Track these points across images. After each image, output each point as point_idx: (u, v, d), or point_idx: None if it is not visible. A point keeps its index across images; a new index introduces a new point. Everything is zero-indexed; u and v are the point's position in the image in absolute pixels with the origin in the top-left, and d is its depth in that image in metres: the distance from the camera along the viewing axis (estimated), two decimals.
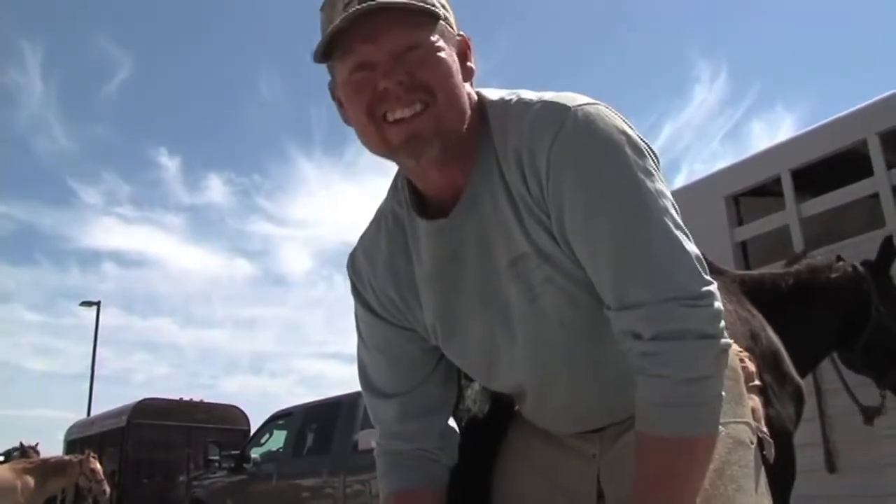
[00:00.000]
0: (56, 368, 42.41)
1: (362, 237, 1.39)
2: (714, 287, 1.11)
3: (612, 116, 1.14)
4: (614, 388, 1.25)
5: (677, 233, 1.10)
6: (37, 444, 10.69)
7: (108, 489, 9.81)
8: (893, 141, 4.29)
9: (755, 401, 1.47)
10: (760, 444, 1.41)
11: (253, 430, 11.08)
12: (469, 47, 1.22)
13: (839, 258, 3.32)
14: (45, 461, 9.54)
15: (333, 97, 1.23)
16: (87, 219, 41.67)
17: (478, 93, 1.25)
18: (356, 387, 1.45)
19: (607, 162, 1.10)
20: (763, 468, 1.39)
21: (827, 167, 4.61)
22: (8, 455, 11.28)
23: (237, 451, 9.82)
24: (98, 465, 9.70)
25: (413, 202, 1.29)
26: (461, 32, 1.22)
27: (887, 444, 3.86)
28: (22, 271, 42.73)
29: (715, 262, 2.95)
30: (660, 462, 1.10)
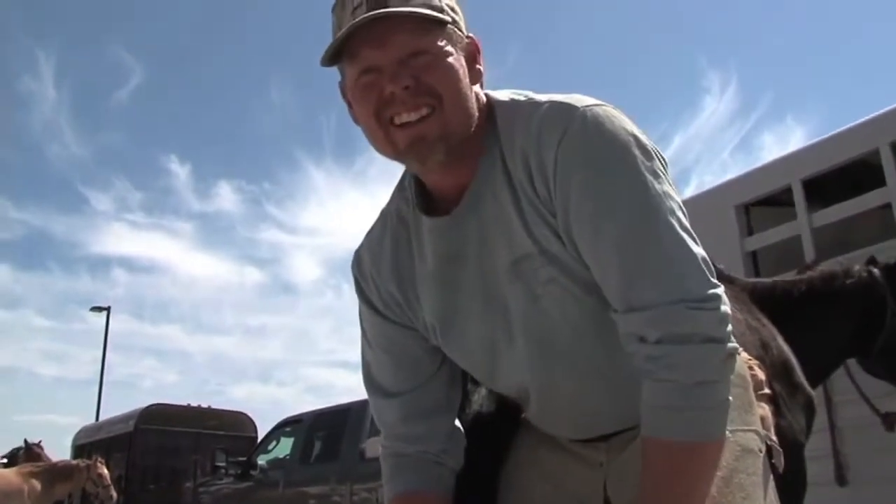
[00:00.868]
0: (65, 374, 42.63)
1: (367, 235, 1.39)
2: (721, 290, 1.10)
3: (620, 118, 1.13)
4: (620, 393, 1.23)
5: (684, 235, 1.09)
6: (40, 441, 10.70)
7: (114, 494, 9.82)
8: None
9: (765, 409, 1.45)
10: (769, 452, 1.39)
11: (260, 437, 11.07)
12: (478, 50, 1.22)
13: (872, 260, 3.27)
14: (53, 466, 9.55)
15: (344, 97, 1.23)
16: (97, 225, 42.02)
17: (487, 94, 1.25)
18: (364, 395, 1.45)
19: (615, 162, 1.10)
20: (772, 478, 1.37)
21: (838, 177, 4.58)
22: (13, 455, 11.29)
23: (244, 458, 9.81)
24: (105, 471, 9.70)
25: (419, 200, 1.28)
26: (470, 35, 1.22)
27: None
28: (32, 277, 42.94)
29: (725, 271, 2.93)
30: (666, 467, 1.09)
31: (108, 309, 21.98)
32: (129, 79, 44.39)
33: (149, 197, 41.53)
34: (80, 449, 15.90)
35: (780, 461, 1.43)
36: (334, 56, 1.15)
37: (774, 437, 1.44)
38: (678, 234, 1.09)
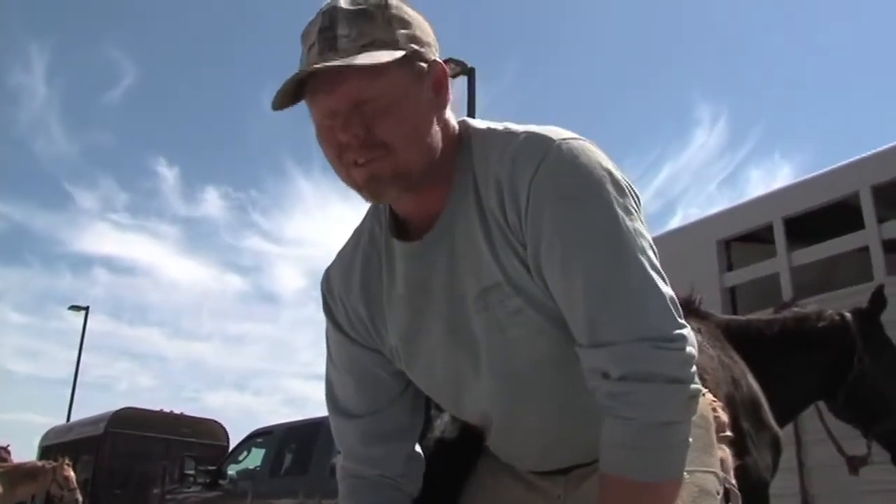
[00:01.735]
0: (39, 372, 42.21)
1: (339, 254, 1.38)
2: (687, 331, 1.09)
3: (595, 152, 1.13)
4: (582, 426, 1.22)
5: (653, 273, 1.09)
6: (8, 446, 10.55)
7: (80, 498, 9.68)
8: (885, 195, 4.31)
9: (725, 451, 1.44)
10: (727, 495, 1.39)
11: (232, 447, 10.97)
12: (445, 74, 1.20)
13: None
14: (17, 467, 9.41)
15: None
16: (81, 223, 41.70)
17: (463, 121, 1.25)
18: None
19: (588, 197, 1.10)
20: None
21: (820, 217, 4.63)
22: None
23: (214, 467, 9.71)
24: (72, 473, 9.58)
25: (392, 223, 1.28)
26: (436, 59, 1.19)
27: (866, 499, 3.83)
28: (11, 271, 42.64)
29: (700, 307, 2.95)
30: None
31: (86, 308, 21.82)
32: (122, 79, 44.36)
33: (135, 198, 41.44)
34: (47, 450, 15.64)
35: None
36: (296, 96, 1.13)
37: (733, 481, 1.43)
38: (647, 272, 1.09)
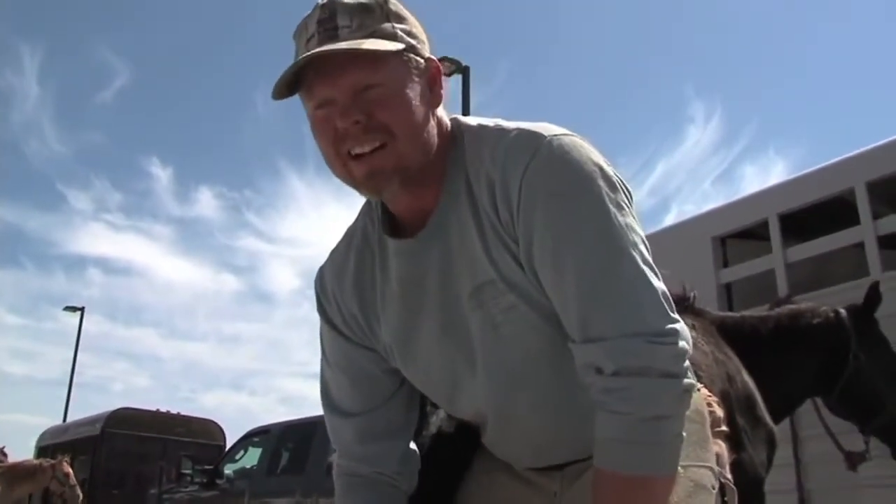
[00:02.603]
0: (34, 373, 42.08)
1: (332, 253, 1.38)
2: (680, 325, 1.09)
3: (586, 148, 1.13)
4: (576, 422, 1.22)
5: (645, 268, 1.09)
6: (3, 447, 10.52)
7: (80, 494, 9.65)
8: (880, 190, 4.31)
9: (720, 446, 1.45)
10: (723, 490, 1.39)
11: (229, 447, 10.96)
12: (439, 71, 1.21)
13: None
14: (16, 465, 9.38)
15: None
16: (75, 224, 41.59)
17: (455, 118, 1.25)
18: None
19: (579, 193, 1.09)
20: None
21: (815, 213, 4.63)
22: None
23: (211, 467, 9.70)
24: (70, 470, 9.54)
25: (384, 221, 1.28)
26: (430, 56, 1.20)
27: (863, 494, 3.83)
28: (5, 273, 42.44)
29: (695, 303, 2.95)
30: (615, 500, 1.08)
31: (81, 309, 21.76)
32: (115, 80, 44.11)
33: (128, 199, 41.33)
34: (43, 451, 15.63)
35: (734, 500, 1.42)
36: (291, 87, 1.13)
37: (729, 475, 1.44)
38: (639, 267, 1.09)
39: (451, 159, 1.20)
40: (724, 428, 1.49)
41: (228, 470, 9.37)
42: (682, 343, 1.08)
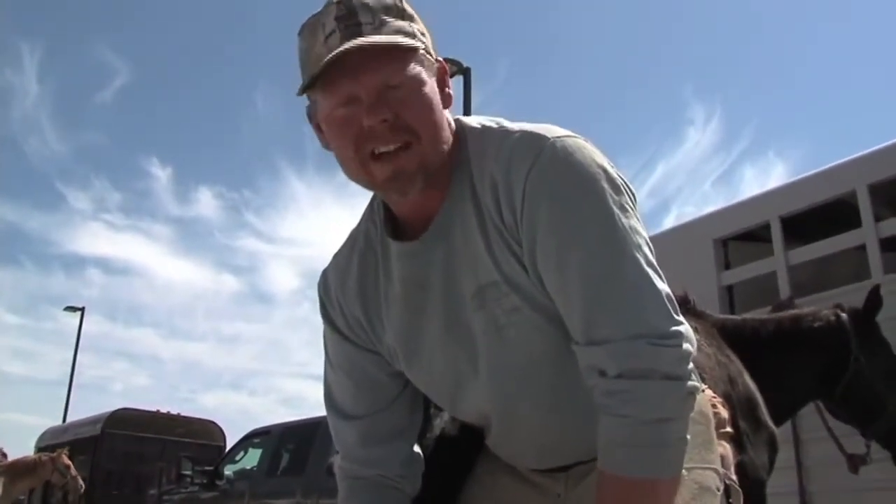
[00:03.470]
0: (34, 373, 42.09)
1: (335, 256, 1.38)
2: (684, 328, 1.09)
3: (590, 150, 1.13)
4: (580, 424, 1.22)
5: (649, 270, 1.09)
6: (2, 448, 10.50)
7: (82, 483, 9.61)
8: (882, 193, 4.31)
9: (725, 448, 1.44)
10: (728, 492, 1.38)
11: (229, 447, 10.95)
12: (446, 72, 1.22)
13: (839, 306, 3.29)
14: (15, 463, 9.36)
15: (310, 121, 1.22)
16: (74, 224, 41.54)
17: (457, 119, 1.25)
18: None
19: (583, 195, 1.09)
20: None
21: (816, 216, 4.64)
22: None
23: (211, 467, 9.69)
24: (70, 462, 9.51)
25: (388, 223, 1.27)
26: (438, 58, 1.21)
27: (864, 497, 3.83)
28: (4, 272, 42.46)
29: (696, 306, 2.95)
30: (620, 502, 1.07)
31: (82, 309, 21.75)
32: (114, 79, 44.11)
33: (128, 198, 41.23)
34: (43, 451, 15.62)
35: (739, 502, 1.42)
36: (310, 82, 1.12)
37: (734, 477, 1.43)
38: (643, 269, 1.08)
39: (454, 161, 1.20)
40: (728, 429, 1.49)
41: (228, 471, 9.36)
42: (686, 345, 1.08)
